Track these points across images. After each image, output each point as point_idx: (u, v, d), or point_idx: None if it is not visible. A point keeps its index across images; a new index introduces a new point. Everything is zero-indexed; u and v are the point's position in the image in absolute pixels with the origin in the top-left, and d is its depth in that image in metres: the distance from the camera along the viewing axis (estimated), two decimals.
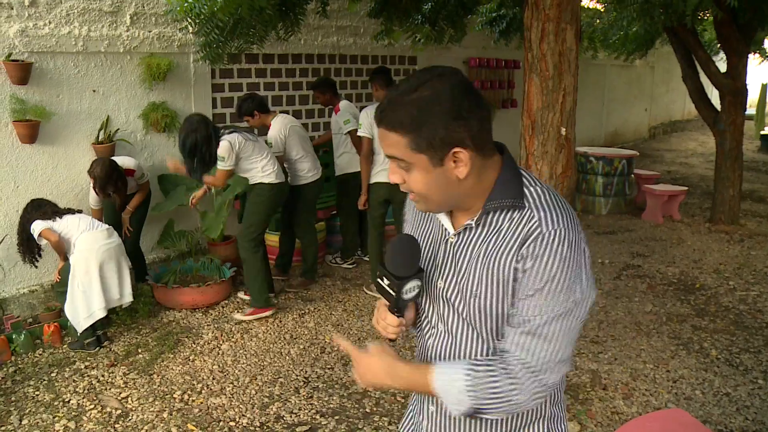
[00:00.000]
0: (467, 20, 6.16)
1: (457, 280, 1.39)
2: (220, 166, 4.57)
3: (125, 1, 5.09)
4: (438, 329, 1.46)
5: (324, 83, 5.94)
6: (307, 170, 5.37)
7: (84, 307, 4.22)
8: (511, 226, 1.31)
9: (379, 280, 1.39)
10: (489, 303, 1.34)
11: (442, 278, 1.41)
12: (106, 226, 4.44)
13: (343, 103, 5.84)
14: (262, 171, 4.75)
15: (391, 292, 1.37)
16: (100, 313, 4.26)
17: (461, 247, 1.39)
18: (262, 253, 4.89)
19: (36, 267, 4.48)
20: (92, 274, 4.23)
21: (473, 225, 1.37)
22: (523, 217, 1.30)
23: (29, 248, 4.40)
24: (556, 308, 1.27)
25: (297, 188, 5.36)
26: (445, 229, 1.42)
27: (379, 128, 1.30)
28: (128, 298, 4.49)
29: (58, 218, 4.31)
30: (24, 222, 4.34)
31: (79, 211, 4.51)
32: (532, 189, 1.33)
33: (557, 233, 1.25)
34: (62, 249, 4.36)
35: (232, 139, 4.56)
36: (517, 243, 1.29)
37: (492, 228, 1.34)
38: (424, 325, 1.51)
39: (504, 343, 1.33)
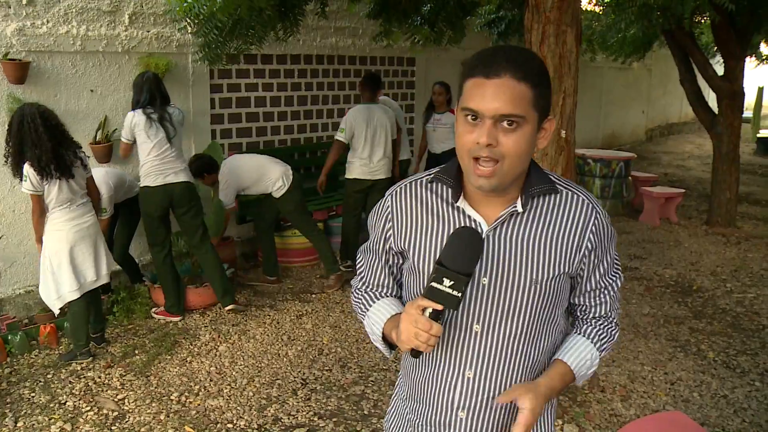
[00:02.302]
0: (466, 22, 6.15)
1: (509, 271, 1.37)
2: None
3: (124, 0, 5.08)
4: (472, 331, 1.40)
5: (365, 79, 5.97)
6: (273, 185, 5.30)
7: (54, 289, 4.04)
8: (564, 208, 1.40)
9: (434, 284, 1.24)
10: (549, 287, 1.39)
11: (485, 275, 1.37)
12: (84, 200, 4.09)
13: (352, 109, 5.82)
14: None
15: (455, 294, 1.23)
16: (71, 296, 4.05)
17: (507, 236, 1.38)
18: (169, 263, 4.84)
19: (21, 183, 3.95)
20: (62, 255, 4.00)
21: (520, 210, 1.37)
22: (570, 200, 1.41)
23: (16, 165, 3.89)
24: (615, 260, 1.48)
25: (274, 201, 5.40)
26: (475, 223, 1.38)
27: (503, 79, 1.25)
28: (104, 279, 4.21)
29: (48, 177, 3.83)
30: (24, 134, 3.79)
31: (79, 150, 4.05)
32: (550, 175, 1.43)
33: (603, 210, 1.44)
34: (40, 231, 4.04)
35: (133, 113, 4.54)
36: (581, 224, 1.40)
37: (542, 213, 1.39)
38: (450, 331, 1.43)
39: (601, 309, 1.50)
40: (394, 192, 1.50)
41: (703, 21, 7.95)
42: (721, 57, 7.46)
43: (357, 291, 1.65)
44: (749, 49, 8.65)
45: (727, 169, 7.39)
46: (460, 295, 1.23)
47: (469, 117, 1.28)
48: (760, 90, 14.38)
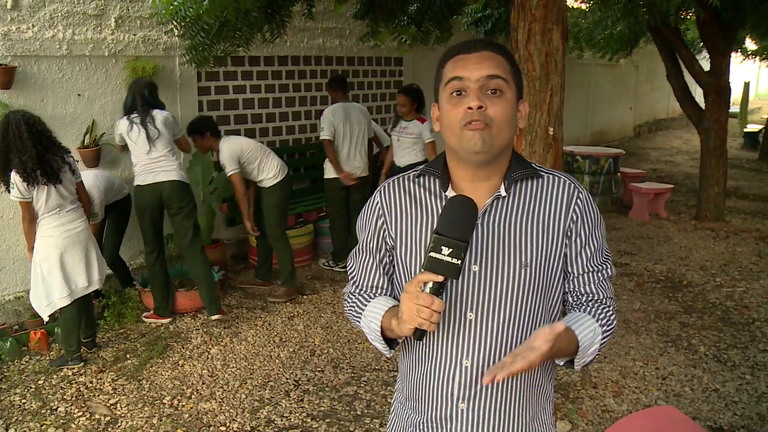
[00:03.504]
0: (453, 21, 6.16)
1: (498, 256, 1.39)
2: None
3: (110, 4, 5.06)
4: (466, 319, 1.40)
5: (333, 80, 6.05)
6: (267, 173, 5.21)
7: (44, 296, 4.02)
8: (547, 190, 1.43)
9: (433, 254, 1.24)
10: (540, 269, 1.40)
11: (476, 262, 1.38)
12: (74, 206, 4.06)
13: (328, 108, 5.86)
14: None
15: (454, 261, 1.24)
16: (61, 303, 4.02)
17: (493, 222, 1.40)
18: (159, 265, 4.83)
19: (9, 192, 3.93)
20: (52, 261, 3.97)
21: (503, 195, 1.40)
22: (552, 183, 1.44)
23: (3, 173, 3.87)
24: (605, 249, 1.49)
25: (259, 192, 5.32)
26: None
27: (482, 52, 1.36)
28: (96, 285, 4.20)
29: (35, 183, 3.79)
30: (9, 141, 3.76)
31: (67, 155, 4.03)
32: (532, 163, 1.48)
33: (585, 192, 1.46)
34: (31, 239, 4.03)
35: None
36: (563, 205, 1.42)
37: (525, 196, 1.42)
38: (444, 321, 1.42)
39: (594, 295, 1.48)
40: (382, 188, 1.53)
41: (688, 17, 7.99)
42: (707, 53, 7.51)
43: (350, 295, 1.61)
44: (735, 45, 8.71)
45: (714, 164, 7.44)
46: (459, 262, 1.24)
47: (455, 93, 1.36)
48: (746, 85, 14.48)
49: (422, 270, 1.27)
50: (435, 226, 1.30)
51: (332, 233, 6.05)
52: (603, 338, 1.44)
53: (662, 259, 6.29)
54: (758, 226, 7.48)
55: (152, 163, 4.60)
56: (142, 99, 4.58)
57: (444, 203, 1.42)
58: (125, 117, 4.60)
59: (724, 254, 6.44)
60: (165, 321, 4.82)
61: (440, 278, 1.25)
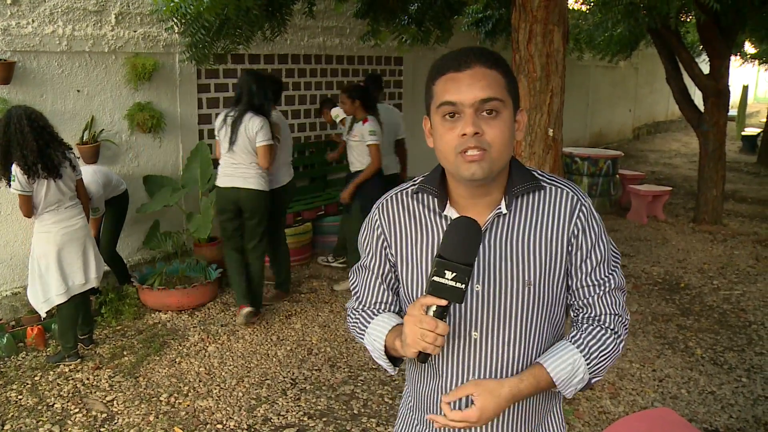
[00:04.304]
0: (453, 21, 6.16)
1: (501, 275, 1.35)
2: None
3: (110, 0, 5.05)
4: (471, 338, 1.38)
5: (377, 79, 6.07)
6: (282, 173, 5.10)
7: (41, 292, 4.01)
8: (548, 204, 1.38)
9: (436, 278, 1.21)
10: (543, 287, 1.37)
11: (478, 282, 1.35)
12: (73, 202, 4.04)
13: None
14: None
15: (458, 286, 1.20)
16: (58, 299, 4.01)
17: (495, 240, 1.36)
18: (233, 254, 4.86)
19: (9, 186, 3.88)
20: (49, 258, 3.96)
21: (504, 212, 1.36)
22: (554, 195, 1.39)
23: (3, 167, 3.86)
24: (611, 259, 1.43)
25: (272, 192, 5.15)
26: None
27: (475, 69, 1.28)
28: (93, 282, 4.19)
29: (35, 176, 3.78)
30: (10, 135, 3.75)
31: (68, 152, 4.01)
32: (533, 171, 1.42)
33: (589, 202, 1.41)
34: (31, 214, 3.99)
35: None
36: (566, 218, 1.37)
37: (527, 211, 1.37)
38: (449, 340, 1.40)
39: (592, 310, 1.42)
40: (380, 205, 1.49)
41: (688, 20, 8.00)
42: (707, 55, 7.52)
43: (353, 311, 1.58)
44: (734, 48, 8.72)
45: (713, 166, 7.46)
46: (463, 287, 1.20)
47: (447, 115, 1.29)
48: (745, 88, 14.49)
49: (425, 293, 1.24)
50: (437, 248, 1.27)
51: (343, 228, 5.87)
52: (593, 366, 1.39)
53: (660, 262, 6.30)
54: (756, 230, 7.49)
55: (232, 167, 4.62)
56: (248, 95, 4.55)
57: (445, 221, 1.39)
58: (224, 111, 4.63)
59: (721, 257, 6.45)
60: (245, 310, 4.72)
61: (443, 302, 1.22)
